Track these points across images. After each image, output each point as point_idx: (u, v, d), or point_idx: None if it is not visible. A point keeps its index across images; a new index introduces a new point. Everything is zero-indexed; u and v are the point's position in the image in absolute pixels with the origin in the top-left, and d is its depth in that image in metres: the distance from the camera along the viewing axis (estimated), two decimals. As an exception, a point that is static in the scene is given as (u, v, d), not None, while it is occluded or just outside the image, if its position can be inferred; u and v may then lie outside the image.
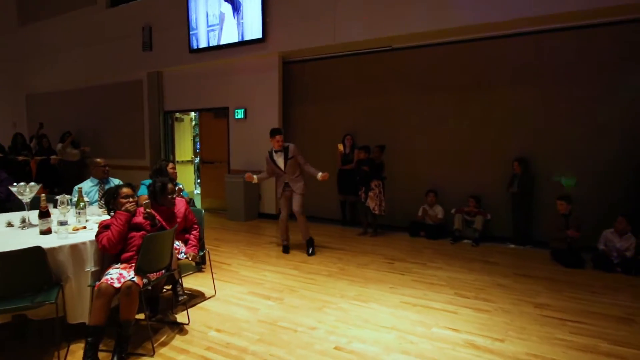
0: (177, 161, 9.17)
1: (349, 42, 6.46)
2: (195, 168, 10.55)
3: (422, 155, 6.55)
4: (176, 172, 4.57)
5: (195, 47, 7.89)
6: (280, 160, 5.04)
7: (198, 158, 10.77)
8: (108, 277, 2.65)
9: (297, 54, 7.26)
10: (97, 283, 2.63)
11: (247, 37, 7.25)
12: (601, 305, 3.62)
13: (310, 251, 5.22)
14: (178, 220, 3.48)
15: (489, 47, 5.93)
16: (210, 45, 7.69)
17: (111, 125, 9.74)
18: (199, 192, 10.27)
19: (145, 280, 2.73)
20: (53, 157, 9.06)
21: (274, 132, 4.98)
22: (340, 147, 6.69)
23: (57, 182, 8.75)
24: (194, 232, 3.61)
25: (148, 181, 3.87)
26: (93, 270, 2.84)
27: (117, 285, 2.61)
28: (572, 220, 4.89)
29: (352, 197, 6.78)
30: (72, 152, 9.21)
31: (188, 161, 9.63)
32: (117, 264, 2.84)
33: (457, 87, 6.19)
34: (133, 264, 2.78)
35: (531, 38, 5.63)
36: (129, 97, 9.29)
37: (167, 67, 8.56)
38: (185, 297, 3.12)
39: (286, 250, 5.35)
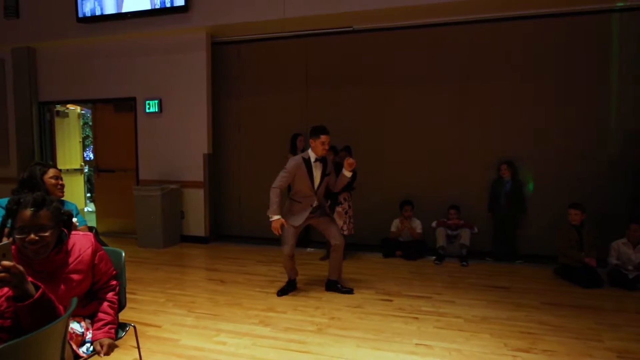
0: (60, 170, 6.81)
1: (302, 16, 5.11)
2: (85, 179, 8.19)
3: (389, 159, 5.48)
4: (62, 184, 2.78)
5: (85, 14, 5.82)
6: (317, 175, 3.50)
7: (87, 166, 8.48)
8: None
9: (231, 30, 5.69)
10: None
11: (164, 5, 5.49)
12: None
13: (336, 288, 3.85)
14: (78, 277, 1.79)
15: (472, 32, 5.10)
16: (109, 12, 5.72)
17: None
18: (91, 209, 7.98)
19: None
20: None
21: (318, 131, 3.40)
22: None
23: None
24: (108, 295, 1.93)
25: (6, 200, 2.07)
26: None
27: None
28: (587, 234, 4.19)
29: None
30: None
31: (76, 170, 7.30)
32: None
33: (432, 79, 5.26)
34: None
35: (523, 23, 4.92)
36: (-15, 83, 6.73)
37: (42, 42, 6.26)
38: None
39: (291, 287, 3.84)
